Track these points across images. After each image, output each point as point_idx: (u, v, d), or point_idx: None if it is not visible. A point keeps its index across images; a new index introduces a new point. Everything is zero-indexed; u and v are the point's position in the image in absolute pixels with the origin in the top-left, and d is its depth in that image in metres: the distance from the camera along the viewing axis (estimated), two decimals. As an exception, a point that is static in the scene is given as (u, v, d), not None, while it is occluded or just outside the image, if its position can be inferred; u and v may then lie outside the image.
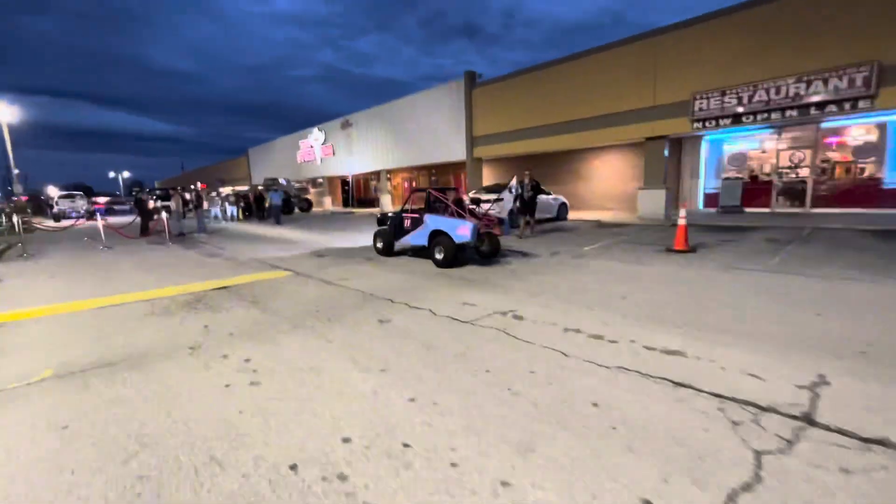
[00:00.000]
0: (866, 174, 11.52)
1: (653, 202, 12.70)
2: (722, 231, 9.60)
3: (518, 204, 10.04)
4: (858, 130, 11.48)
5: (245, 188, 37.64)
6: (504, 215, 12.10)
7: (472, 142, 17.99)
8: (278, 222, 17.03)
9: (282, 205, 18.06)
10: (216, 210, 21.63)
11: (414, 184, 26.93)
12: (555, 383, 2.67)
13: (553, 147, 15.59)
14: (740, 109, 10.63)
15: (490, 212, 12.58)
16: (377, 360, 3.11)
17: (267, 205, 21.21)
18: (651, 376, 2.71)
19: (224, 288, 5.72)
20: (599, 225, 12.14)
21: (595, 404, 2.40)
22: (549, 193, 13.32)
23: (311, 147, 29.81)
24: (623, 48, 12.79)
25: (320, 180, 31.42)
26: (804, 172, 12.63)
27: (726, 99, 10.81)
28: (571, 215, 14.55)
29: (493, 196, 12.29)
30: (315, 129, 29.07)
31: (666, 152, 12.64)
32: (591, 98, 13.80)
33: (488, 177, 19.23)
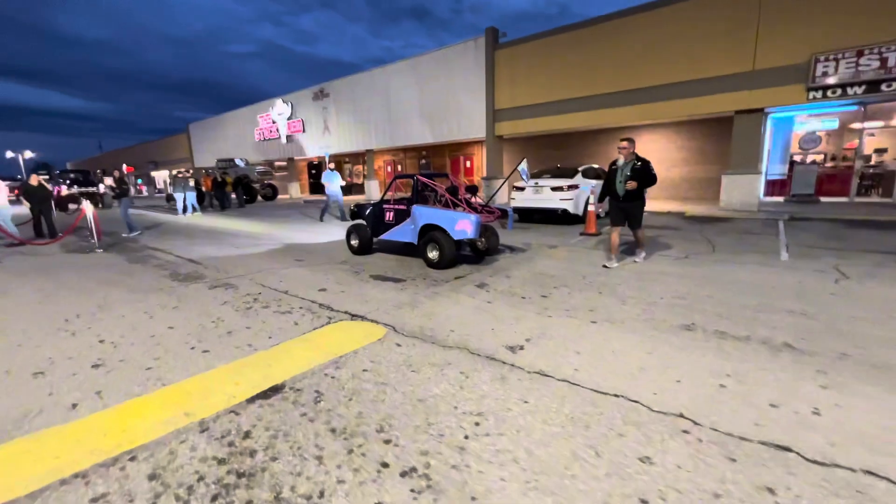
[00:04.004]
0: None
1: (743, 189, 10.48)
2: (869, 227, 7.49)
3: (604, 203, 5.79)
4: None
5: (188, 171, 31.82)
6: (582, 209, 9.35)
7: (493, 116, 14.88)
8: (343, 218, 11.41)
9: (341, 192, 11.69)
10: (188, 196, 14.91)
11: (399, 168, 23.38)
12: None
13: (603, 122, 12.94)
14: (884, 73, 8.52)
15: (563, 202, 9.89)
16: None
17: (324, 194, 14.60)
18: None
19: (274, 391, 2.40)
20: (689, 218, 9.75)
21: None
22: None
23: (274, 123, 25.04)
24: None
25: (282, 163, 26.76)
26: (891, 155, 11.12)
27: (862, 61, 8.66)
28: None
29: (564, 182, 9.43)
30: (279, 101, 24.29)
31: (763, 128, 10.44)
32: (659, 62, 11.22)
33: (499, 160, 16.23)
